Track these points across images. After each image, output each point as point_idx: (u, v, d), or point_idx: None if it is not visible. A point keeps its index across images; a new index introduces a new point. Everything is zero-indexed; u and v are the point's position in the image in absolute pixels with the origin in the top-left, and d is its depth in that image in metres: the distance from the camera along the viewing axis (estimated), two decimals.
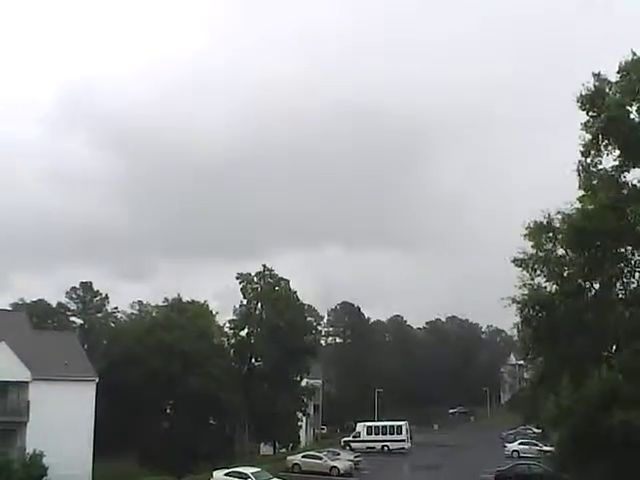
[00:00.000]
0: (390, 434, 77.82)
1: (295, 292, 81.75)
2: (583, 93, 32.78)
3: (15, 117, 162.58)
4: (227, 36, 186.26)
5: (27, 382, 57.01)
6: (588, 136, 33.12)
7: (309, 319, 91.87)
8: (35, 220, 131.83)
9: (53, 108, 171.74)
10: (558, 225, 34.91)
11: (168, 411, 73.89)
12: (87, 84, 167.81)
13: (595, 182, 33.62)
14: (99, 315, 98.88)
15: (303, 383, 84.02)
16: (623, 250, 33.92)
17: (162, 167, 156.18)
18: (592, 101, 32.68)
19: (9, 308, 79.51)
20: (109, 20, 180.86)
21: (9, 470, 52.24)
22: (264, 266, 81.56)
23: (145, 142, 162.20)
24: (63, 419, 55.77)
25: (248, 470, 50.28)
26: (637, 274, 34.18)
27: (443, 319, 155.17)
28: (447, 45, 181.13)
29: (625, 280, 34.27)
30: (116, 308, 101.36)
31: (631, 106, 32.28)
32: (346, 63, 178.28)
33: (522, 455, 66.20)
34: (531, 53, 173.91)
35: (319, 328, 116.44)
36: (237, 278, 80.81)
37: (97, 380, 60.92)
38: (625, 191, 33.00)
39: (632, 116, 32.41)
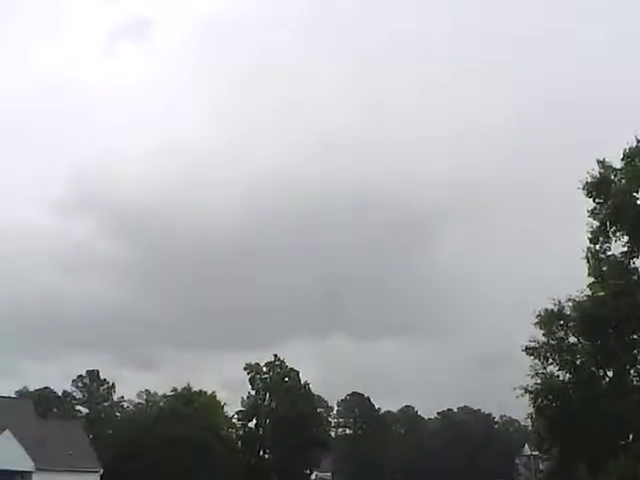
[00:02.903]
0: None
1: (307, 384, 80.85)
2: (589, 180, 33.21)
3: (23, 202, 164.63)
4: (228, 124, 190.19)
5: (31, 472, 55.92)
6: (596, 223, 33.39)
7: (319, 410, 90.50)
8: (41, 306, 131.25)
9: (60, 194, 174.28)
10: (569, 312, 34.75)
11: None
12: (95, 171, 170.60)
13: (604, 269, 33.63)
14: (105, 404, 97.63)
15: (313, 476, 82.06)
16: (636, 337, 33.60)
17: (169, 256, 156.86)
18: (598, 188, 33.09)
19: (14, 396, 78.64)
20: (117, 108, 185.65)
21: None
22: (275, 356, 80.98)
23: (153, 230, 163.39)
24: None
25: None
26: None
27: (455, 409, 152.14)
28: (447, 132, 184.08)
29: (639, 367, 33.83)
30: (122, 397, 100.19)
31: (637, 192, 32.63)
32: (348, 155, 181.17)
33: None
34: (533, 137, 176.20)
35: (329, 419, 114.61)
36: (245, 369, 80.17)
37: (102, 472, 59.72)
38: (635, 277, 32.98)
39: (639, 202, 32.71)
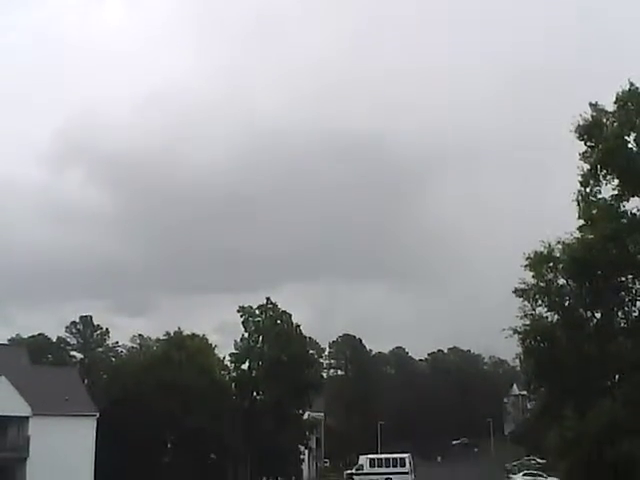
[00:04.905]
0: (393, 466, 76.77)
1: (298, 326, 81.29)
2: (580, 123, 33.02)
3: (13, 155, 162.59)
4: (225, 71, 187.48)
5: (27, 417, 56.50)
6: (586, 166, 33.36)
7: (311, 352, 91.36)
8: (34, 255, 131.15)
9: (50, 145, 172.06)
10: (558, 255, 34.98)
11: (169, 446, 73.13)
12: (84, 121, 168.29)
13: (594, 212, 33.73)
14: (99, 349, 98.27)
15: (305, 416, 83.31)
16: (624, 279, 33.93)
17: (162, 203, 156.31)
18: (590, 131, 32.94)
19: (7, 343, 79.01)
20: (105, 57, 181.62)
21: None
22: (267, 299, 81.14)
23: (144, 178, 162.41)
24: (63, 455, 55.19)
25: None
26: (638, 303, 34.16)
27: (445, 350, 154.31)
28: (446, 77, 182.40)
29: (626, 309, 34.27)
30: (117, 342, 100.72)
31: (629, 136, 32.51)
32: (345, 98, 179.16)
33: None
34: (529, 82, 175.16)
35: (320, 360, 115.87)
36: (238, 311, 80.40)
37: (97, 415, 60.36)
38: (624, 220, 33.10)
39: (630, 146, 32.62)
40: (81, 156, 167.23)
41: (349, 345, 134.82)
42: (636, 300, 34.05)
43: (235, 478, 74.63)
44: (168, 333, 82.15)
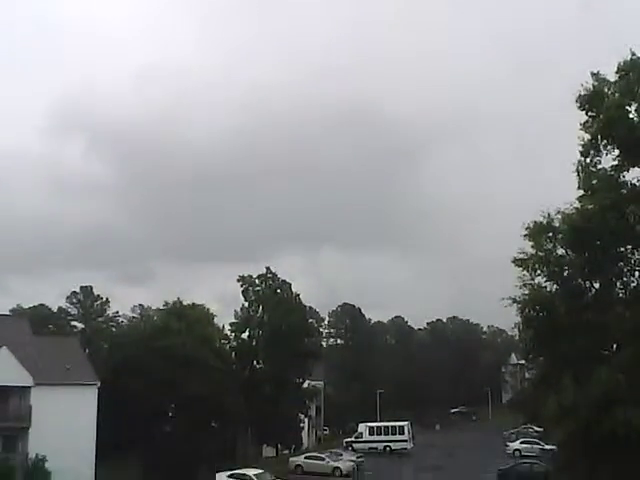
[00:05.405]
0: (392, 434, 77.72)
1: (298, 295, 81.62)
2: (582, 93, 32.85)
3: (14, 125, 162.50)
4: (223, 41, 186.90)
5: (29, 387, 56.93)
6: (587, 136, 33.20)
7: (311, 321, 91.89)
8: (34, 226, 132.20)
9: (51, 116, 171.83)
10: (558, 225, 34.96)
11: (170, 415, 73.83)
12: (84, 92, 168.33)
13: (594, 182, 33.67)
14: (100, 319, 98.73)
15: (305, 385, 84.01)
16: (623, 250, 33.97)
17: (161, 172, 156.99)
18: (591, 101, 32.77)
19: (8, 313, 79.36)
20: (106, 29, 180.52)
21: (12, 476, 52.34)
22: (267, 268, 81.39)
23: (144, 148, 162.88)
24: (65, 424, 55.73)
25: (250, 472, 50.63)
26: (637, 273, 34.26)
27: (444, 320, 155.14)
28: (446, 51, 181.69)
29: (625, 279, 34.35)
30: (117, 312, 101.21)
31: (630, 106, 32.34)
32: (344, 67, 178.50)
33: (524, 454, 66.22)
34: (529, 52, 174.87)
35: (320, 330, 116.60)
36: (238, 281, 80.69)
37: (99, 384, 60.84)
38: (624, 191, 33.04)
39: (631, 116, 32.46)
40: (81, 128, 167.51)
41: (348, 314, 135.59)
42: (635, 270, 34.11)
43: (236, 446, 75.44)
44: (167, 303, 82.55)
